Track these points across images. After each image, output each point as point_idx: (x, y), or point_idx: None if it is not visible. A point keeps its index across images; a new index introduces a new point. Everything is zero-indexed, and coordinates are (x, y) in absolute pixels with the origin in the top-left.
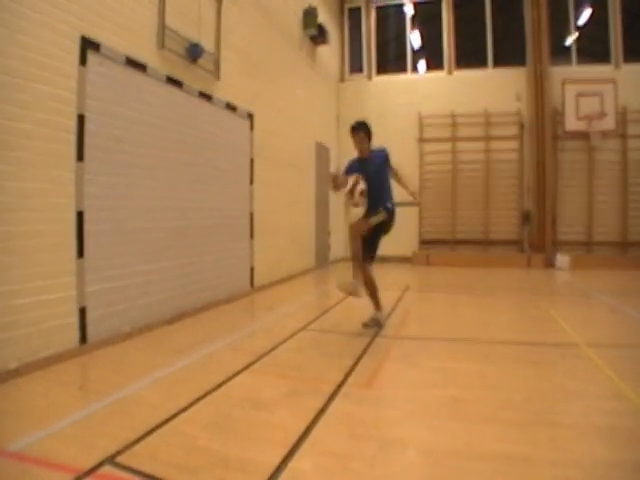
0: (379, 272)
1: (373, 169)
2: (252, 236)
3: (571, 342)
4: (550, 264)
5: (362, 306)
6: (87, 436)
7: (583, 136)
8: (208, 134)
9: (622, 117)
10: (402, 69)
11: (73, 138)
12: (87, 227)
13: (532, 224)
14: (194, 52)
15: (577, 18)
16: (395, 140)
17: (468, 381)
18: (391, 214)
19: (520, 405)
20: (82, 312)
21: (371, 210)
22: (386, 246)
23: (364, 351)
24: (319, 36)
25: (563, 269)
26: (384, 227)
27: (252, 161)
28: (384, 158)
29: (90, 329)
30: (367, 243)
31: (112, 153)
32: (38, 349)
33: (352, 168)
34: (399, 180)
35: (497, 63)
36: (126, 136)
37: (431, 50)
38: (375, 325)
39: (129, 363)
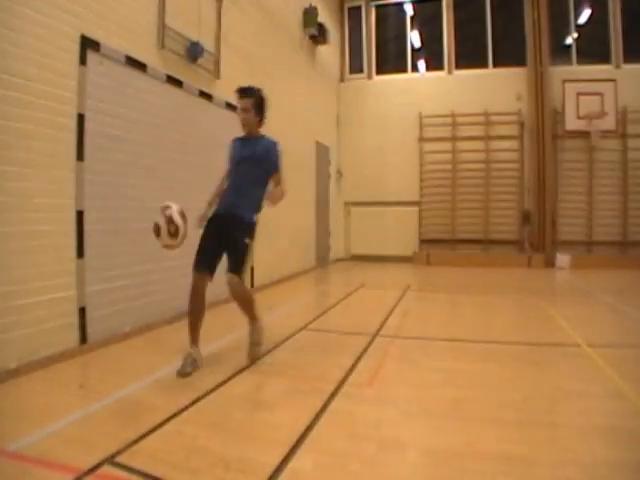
0: (379, 271)
1: (253, 156)
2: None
3: (571, 342)
4: (550, 264)
5: (363, 306)
6: (87, 436)
7: (583, 136)
8: (208, 134)
9: (622, 117)
10: (402, 69)
11: (73, 138)
12: (87, 227)
13: (532, 224)
14: (194, 51)
15: (577, 18)
16: (395, 140)
17: (468, 381)
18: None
19: (520, 405)
20: (82, 312)
21: (228, 206)
22: (386, 245)
23: (364, 351)
24: (319, 35)
25: (563, 269)
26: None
27: None
28: (272, 152)
29: (90, 329)
30: (224, 252)
31: (112, 153)
32: (38, 349)
33: (231, 151)
34: (276, 182)
35: (497, 63)
36: (126, 136)
37: (431, 50)
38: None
39: (129, 363)
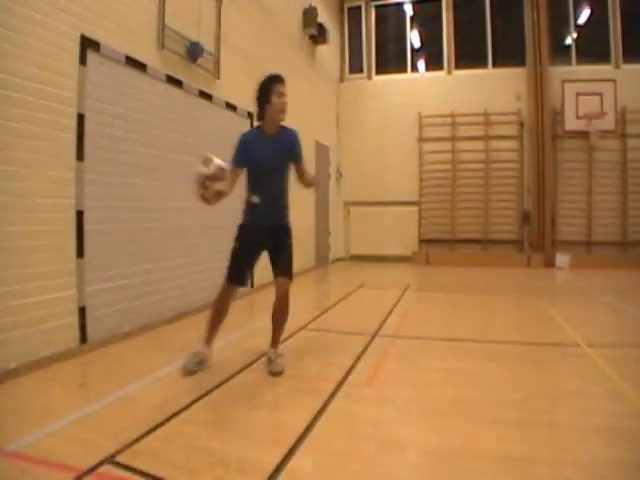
0: (378, 271)
1: (279, 154)
2: None
3: (571, 342)
4: (550, 263)
5: (363, 306)
6: (87, 435)
7: (583, 136)
8: (208, 134)
9: (622, 117)
10: (402, 69)
11: (73, 138)
12: (87, 227)
13: (532, 223)
14: (194, 51)
15: (577, 18)
16: (395, 140)
17: (468, 381)
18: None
19: (520, 405)
20: (82, 312)
21: (267, 220)
22: (386, 245)
23: (364, 350)
24: (319, 36)
25: (563, 268)
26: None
27: None
28: (298, 148)
29: (90, 329)
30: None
31: (112, 153)
32: (38, 349)
33: (249, 151)
34: (302, 172)
35: (497, 63)
36: (126, 136)
37: (431, 50)
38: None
39: (129, 362)
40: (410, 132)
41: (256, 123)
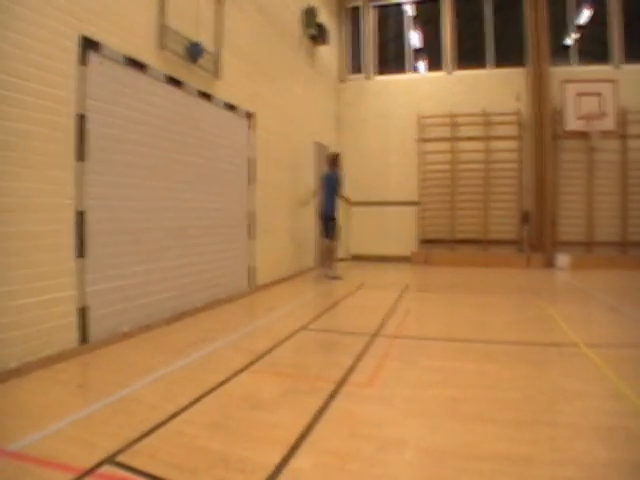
0: (378, 271)
1: None
2: (252, 236)
3: (570, 342)
4: (550, 264)
5: (363, 306)
6: (87, 435)
7: (583, 136)
8: (208, 134)
9: (622, 117)
10: (402, 69)
11: (73, 138)
12: (87, 227)
13: (532, 224)
14: (194, 51)
15: (577, 18)
16: (395, 140)
17: (468, 381)
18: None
19: (519, 405)
20: (82, 312)
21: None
22: (385, 245)
23: (364, 350)
24: (319, 36)
25: (563, 269)
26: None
27: (252, 161)
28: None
29: (90, 329)
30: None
31: (112, 153)
32: (38, 349)
33: None
34: None
35: (497, 63)
36: (126, 136)
37: (431, 50)
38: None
39: (129, 363)
40: (410, 132)
41: (255, 123)
